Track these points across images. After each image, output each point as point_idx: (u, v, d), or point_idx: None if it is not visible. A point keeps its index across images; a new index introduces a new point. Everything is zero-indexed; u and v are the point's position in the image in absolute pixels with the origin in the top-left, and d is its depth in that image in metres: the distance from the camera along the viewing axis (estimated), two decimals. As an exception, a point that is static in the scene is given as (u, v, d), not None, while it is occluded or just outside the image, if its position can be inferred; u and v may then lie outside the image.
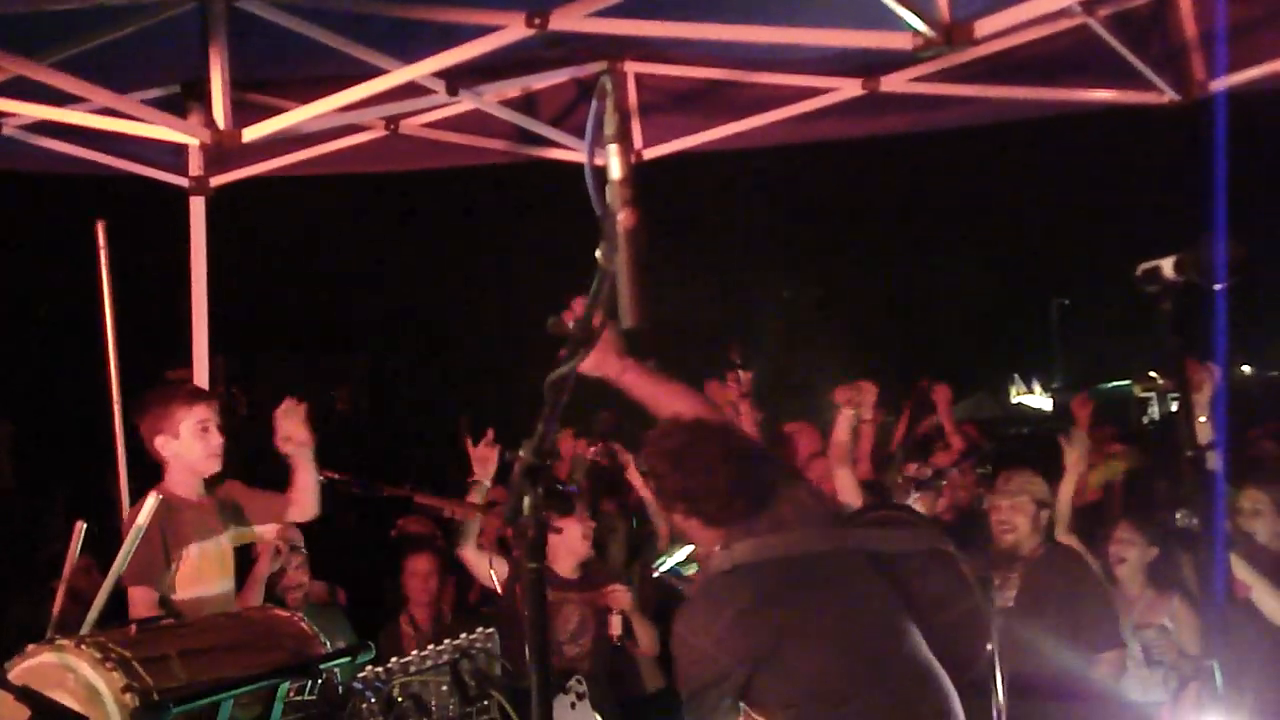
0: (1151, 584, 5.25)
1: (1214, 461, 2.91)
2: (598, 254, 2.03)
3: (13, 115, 5.15)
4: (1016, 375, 36.17)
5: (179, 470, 4.48)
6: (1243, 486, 5.10)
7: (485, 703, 3.47)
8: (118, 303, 5.27)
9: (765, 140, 5.87)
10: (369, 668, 3.37)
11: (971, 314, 32.45)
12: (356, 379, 18.27)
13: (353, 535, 8.08)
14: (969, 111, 5.67)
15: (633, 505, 6.90)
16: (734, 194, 20.30)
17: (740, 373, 6.22)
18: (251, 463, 5.16)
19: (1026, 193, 29.40)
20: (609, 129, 2.04)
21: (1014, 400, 34.94)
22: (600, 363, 3.59)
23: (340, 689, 3.21)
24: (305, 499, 4.70)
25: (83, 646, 2.90)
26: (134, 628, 3.25)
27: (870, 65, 5.30)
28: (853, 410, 5.18)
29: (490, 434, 5.62)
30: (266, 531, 4.81)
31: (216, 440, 4.48)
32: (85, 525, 4.25)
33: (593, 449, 7.37)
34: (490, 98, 5.41)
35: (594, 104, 2.04)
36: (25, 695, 2.70)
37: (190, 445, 4.43)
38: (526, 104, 5.74)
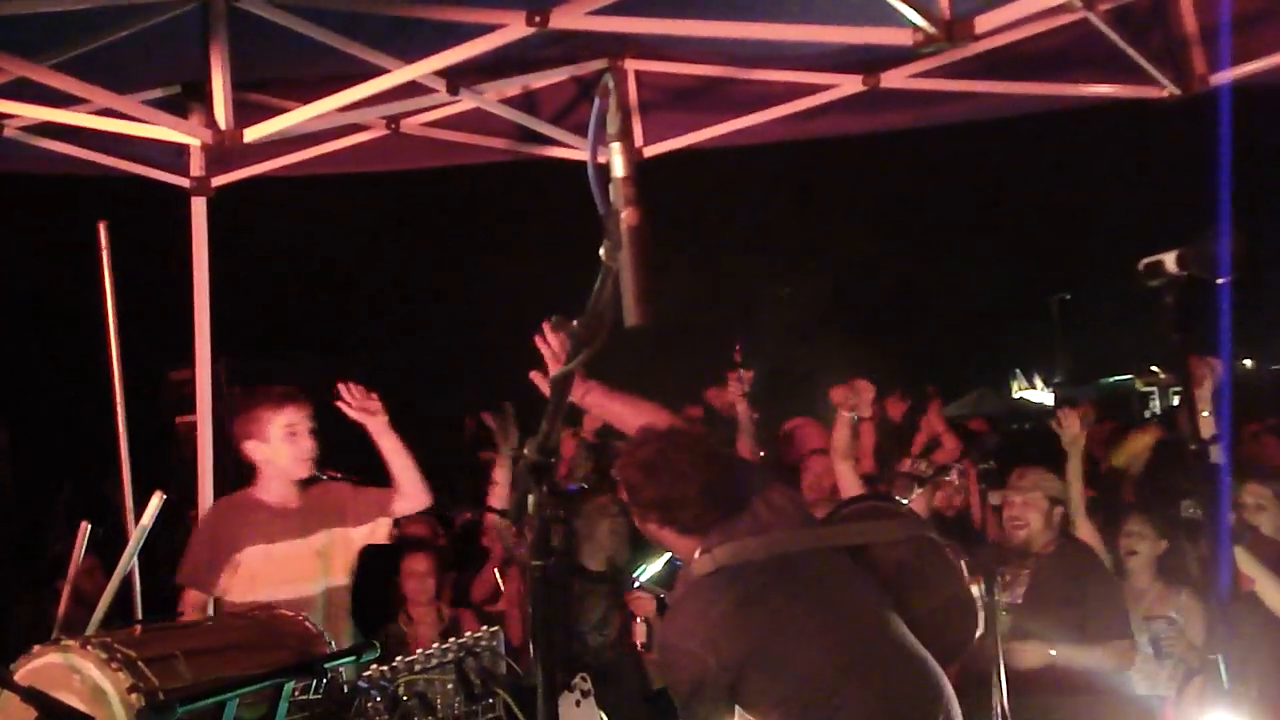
0: (1161, 576, 5.26)
1: (1218, 455, 2.91)
2: (601, 252, 2.03)
3: (14, 117, 5.15)
4: (1018, 370, 36.16)
5: (269, 475, 4.45)
6: (1244, 481, 5.10)
7: (490, 701, 3.47)
8: (120, 303, 5.28)
9: (766, 137, 5.87)
10: (374, 666, 3.37)
11: (973, 309, 32.47)
12: (357, 379, 18.24)
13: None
14: (970, 107, 5.66)
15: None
16: (735, 191, 20.31)
17: (741, 372, 6.22)
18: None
19: (1027, 188, 29.43)
20: (612, 127, 2.03)
21: (1016, 395, 34.91)
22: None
23: (345, 688, 3.21)
24: (407, 487, 4.57)
25: (88, 647, 2.91)
26: (139, 628, 3.26)
27: (871, 61, 5.29)
28: (849, 412, 5.19)
29: (508, 407, 5.62)
30: (374, 532, 4.62)
31: (306, 444, 4.45)
32: (90, 526, 4.27)
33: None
34: (490, 96, 5.41)
35: (597, 102, 2.04)
36: (32, 696, 2.70)
37: (279, 450, 4.42)
38: (527, 102, 5.73)
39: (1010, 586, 5.08)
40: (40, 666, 2.91)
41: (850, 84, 5.41)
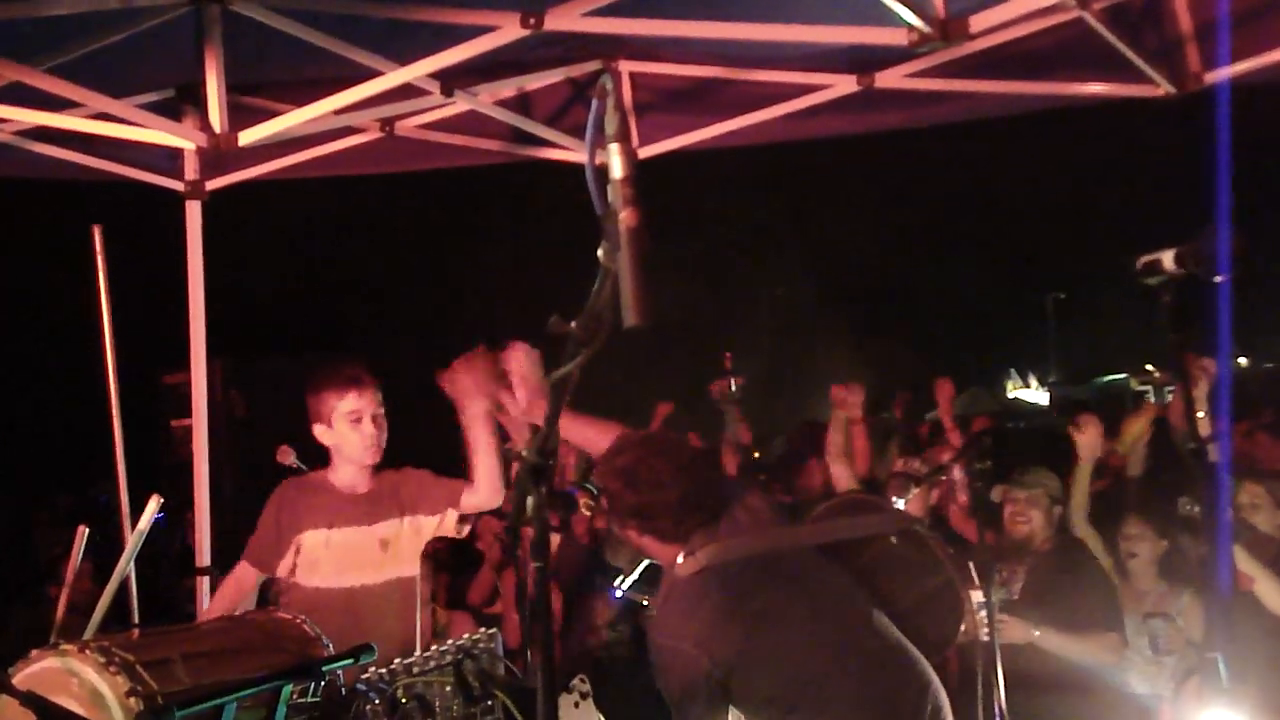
0: (1164, 577, 5.26)
1: (1216, 454, 2.92)
2: (600, 253, 2.03)
3: (8, 121, 5.14)
4: (1013, 370, 36.18)
5: (339, 459, 4.35)
6: (1241, 480, 5.11)
7: (490, 703, 3.46)
8: (115, 307, 5.26)
9: (761, 138, 5.86)
10: (372, 669, 3.37)
11: (967, 308, 32.52)
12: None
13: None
14: (965, 106, 5.66)
15: None
16: (730, 192, 20.33)
17: (733, 379, 6.23)
18: (255, 464, 5.14)
19: (1023, 187, 29.49)
20: (610, 128, 2.03)
21: (1010, 395, 34.93)
22: (531, 409, 3.70)
23: (344, 691, 3.21)
24: (484, 482, 4.35)
25: (86, 651, 2.90)
26: (136, 631, 3.26)
27: (865, 61, 5.29)
28: (842, 412, 5.20)
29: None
30: (443, 523, 4.42)
31: (370, 431, 4.30)
32: (87, 530, 4.26)
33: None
34: (485, 98, 5.40)
35: (594, 103, 2.04)
36: (31, 700, 2.69)
37: (345, 435, 4.30)
38: (522, 104, 5.73)
39: (1007, 583, 5.10)
40: (38, 671, 2.91)
41: (845, 84, 5.41)
